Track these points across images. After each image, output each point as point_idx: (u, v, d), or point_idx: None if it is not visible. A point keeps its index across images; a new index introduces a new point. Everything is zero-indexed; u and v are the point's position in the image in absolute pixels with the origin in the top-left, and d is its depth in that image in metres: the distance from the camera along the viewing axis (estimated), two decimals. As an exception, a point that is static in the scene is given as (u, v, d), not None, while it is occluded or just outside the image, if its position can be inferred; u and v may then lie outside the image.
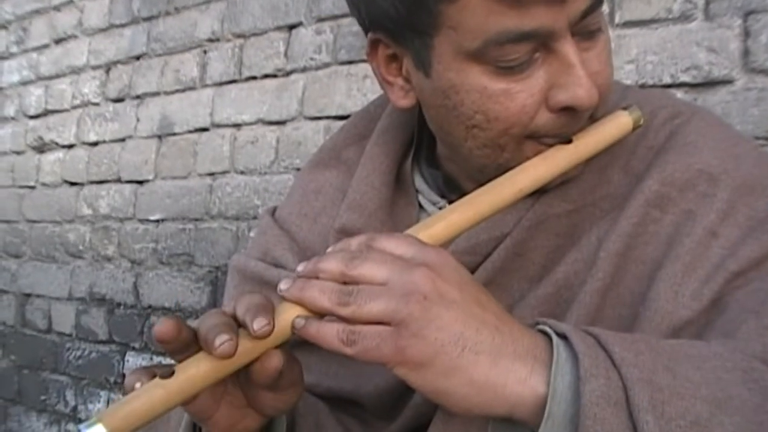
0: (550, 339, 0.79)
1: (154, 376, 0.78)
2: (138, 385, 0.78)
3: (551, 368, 0.76)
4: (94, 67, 3.96)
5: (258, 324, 0.77)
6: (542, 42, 0.89)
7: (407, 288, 0.77)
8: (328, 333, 0.78)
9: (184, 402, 0.81)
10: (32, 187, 4.28)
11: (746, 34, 1.97)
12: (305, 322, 0.80)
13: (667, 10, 2.10)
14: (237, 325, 0.80)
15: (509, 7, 0.85)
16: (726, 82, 2.00)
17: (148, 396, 0.77)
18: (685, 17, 2.07)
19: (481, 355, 0.76)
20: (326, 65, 2.93)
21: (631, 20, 2.14)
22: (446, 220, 0.90)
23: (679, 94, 2.04)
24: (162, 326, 0.79)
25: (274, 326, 0.78)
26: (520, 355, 0.77)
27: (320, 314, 0.81)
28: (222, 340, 0.76)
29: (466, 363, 0.76)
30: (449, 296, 0.78)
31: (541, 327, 0.82)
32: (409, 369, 0.77)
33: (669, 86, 2.07)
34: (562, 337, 0.79)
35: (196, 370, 0.78)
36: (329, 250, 0.87)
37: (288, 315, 0.80)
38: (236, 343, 0.76)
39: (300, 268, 0.85)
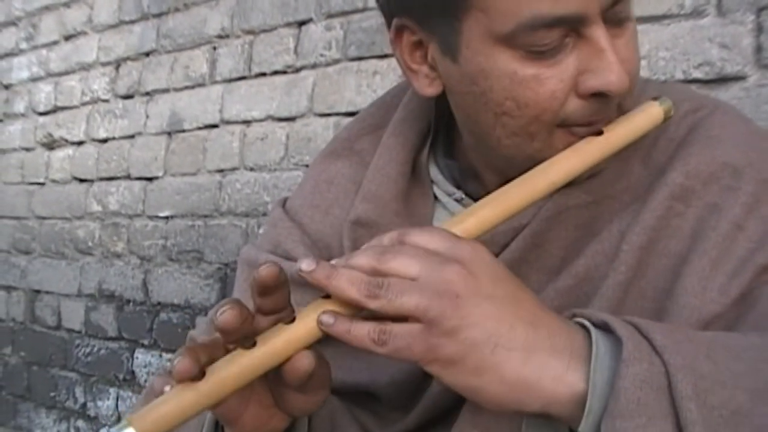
0: (587, 332, 0.78)
1: None
2: (167, 388, 0.77)
3: (588, 363, 0.75)
4: (104, 64, 3.96)
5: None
6: (573, 27, 0.88)
7: (440, 285, 0.75)
8: (359, 332, 0.77)
9: (214, 405, 0.79)
10: (42, 184, 4.29)
11: (759, 29, 1.96)
12: (334, 320, 0.78)
13: (679, 6, 2.09)
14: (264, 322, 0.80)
15: None
16: (739, 78, 1.99)
17: (179, 399, 0.76)
18: (697, 13, 2.06)
19: (514, 352, 0.76)
20: (336, 61, 2.92)
21: (643, 16, 2.13)
22: (477, 215, 0.88)
23: (692, 90, 2.03)
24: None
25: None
26: (556, 351, 0.76)
27: (346, 308, 0.79)
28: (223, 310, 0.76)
29: (498, 360, 0.75)
30: (482, 293, 0.77)
31: (578, 320, 0.81)
32: (441, 367, 0.76)
33: (681, 82, 2.06)
34: (601, 326, 0.79)
35: (227, 372, 0.77)
36: (364, 247, 0.84)
37: (317, 314, 0.78)
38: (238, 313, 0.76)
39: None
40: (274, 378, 0.84)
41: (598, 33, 0.88)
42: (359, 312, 0.79)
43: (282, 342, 0.78)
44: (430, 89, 1.01)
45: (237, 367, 0.77)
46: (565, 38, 0.88)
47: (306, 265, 0.79)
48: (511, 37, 0.88)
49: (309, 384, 0.83)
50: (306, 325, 0.78)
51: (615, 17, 0.90)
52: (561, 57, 0.89)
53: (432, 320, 0.75)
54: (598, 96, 0.91)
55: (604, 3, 0.87)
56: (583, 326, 0.80)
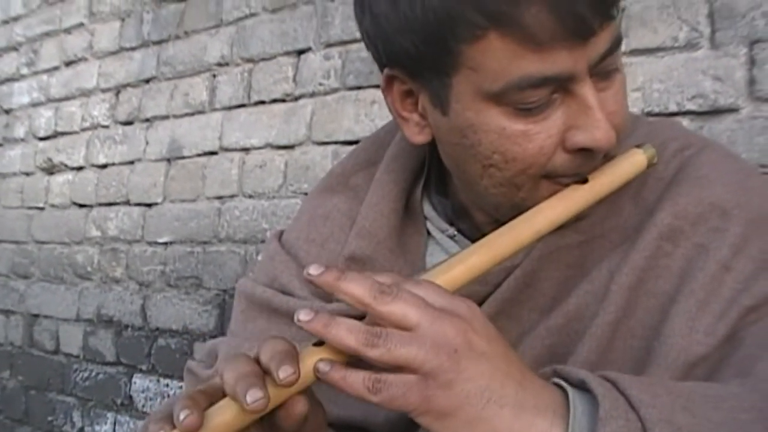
0: (566, 392, 0.80)
1: None
2: None
3: (569, 422, 0.77)
4: (104, 90, 3.99)
5: (284, 373, 0.75)
6: (561, 85, 0.89)
7: (438, 339, 0.76)
8: (354, 380, 0.77)
9: None
10: (41, 209, 4.30)
11: (752, 62, 1.98)
12: (330, 368, 0.78)
13: (673, 39, 2.11)
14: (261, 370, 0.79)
15: (532, 52, 0.85)
16: (732, 110, 2.01)
17: None
18: (691, 46, 2.08)
19: (505, 408, 0.77)
20: (334, 90, 2.94)
21: (637, 48, 2.15)
22: (465, 263, 0.89)
23: (685, 122, 2.04)
24: (186, 422, 0.76)
25: (299, 375, 0.76)
26: (540, 410, 0.77)
27: (340, 356, 0.79)
28: (255, 397, 0.75)
29: (490, 415, 0.76)
30: (478, 349, 0.78)
31: (556, 380, 0.82)
32: (434, 418, 0.77)
33: (675, 114, 2.08)
34: (579, 384, 0.80)
35: (221, 419, 0.77)
36: (356, 275, 0.83)
37: (312, 360, 0.79)
38: (268, 399, 0.75)
39: (313, 270, 0.82)
40: (268, 422, 0.84)
41: (586, 90, 0.89)
42: (351, 359, 0.80)
43: (276, 388, 0.78)
44: (420, 137, 1.02)
45: (231, 413, 0.78)
46: (552, 94, 0.89)
47: (304, 315, 0.79)
48: (501, 95, 0.89)
49: (304, 428, 0.84)
50: (300, 371, 0.79)
51: (603, 70, 0.91)
52: (549, 113, 0.90)
53: (428, 372, 0.76)
54: (585, 150, 0.92)
55: (592, 60, 0.88)
56: (561, 386, 0.81)
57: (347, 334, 0.78)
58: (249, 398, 0.75)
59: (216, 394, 0.81)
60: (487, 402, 0.76)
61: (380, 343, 0.77)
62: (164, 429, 0.78)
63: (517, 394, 0.78)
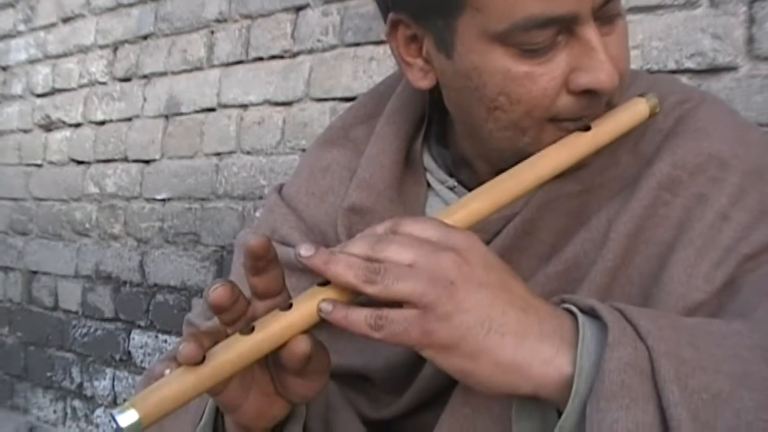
0: (575, 318, 0.80)
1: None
2: (167, 371, 0.79)
3: (576, 348, 0.78)
4: (102, 47, 3.96)
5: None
6: (566, 26, 0.90)
7: (434, 272, 0.77)
8: (356, 318, 0.78)
9: (214, 387, 0.81)
10: (39, 165, 4.30)
11: (751, 21, 1.97)
12: (332, 307, 0.79)
13: (672, -4, 2.10)
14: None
15: None
16: (730, 68, 2.00)
17: (179, 382, 0.77)
18: (690, 4, 2.07)
19: (507, 337, 0.77)
20: (333, 47, 2.93)
21: (636, 6, 2.14)
22: (468, 208, 0.90)
23: (684, 80, 2.04)
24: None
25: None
26: (546, 336, 0.78)
27: (344, 296, 0.81)
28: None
29: (492, 345, 0.77)
30: (476, 279, 0.78)
31: (566, 306, 0.83)
32: (436, 351, 0.78)
33: (673, 72, 2.07)
34: (588, 311, 0.81)
35: (225, 356, 0.79)
36: (358, 236, 0.85)
37: (316, 300, 0.80)
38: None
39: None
40: (274, 364, 0.86)
41: (589, 32, 0.90)
42: (355, 299, 0.81)
43: (279, 327, 0.79)
44: (424, 82, 1.03)
45: (235, 351, 0.79)
46: (557, 36, 0.91)
47: (304, 250, 0.80)
48: (505, 36, 0.90)
49: (308, 369, 0.84)
50: (303, 310, 0.80)
51: (606, 15, 0.93)
52: (553, 55, 0.92)
53: (427, 305, 0.76)
54: (589, 93, 0.93)
55: (596, 2, 0.89)
56: (571, 312, 0.82)
57: (347, 270, 0.79)
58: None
59: (218, 334, 0.82)
60: (488, 332, 0.77)
61: (378, 279, 0.77)
62: (170, 367, 0.79)
63: (520, 322, 0.78)
